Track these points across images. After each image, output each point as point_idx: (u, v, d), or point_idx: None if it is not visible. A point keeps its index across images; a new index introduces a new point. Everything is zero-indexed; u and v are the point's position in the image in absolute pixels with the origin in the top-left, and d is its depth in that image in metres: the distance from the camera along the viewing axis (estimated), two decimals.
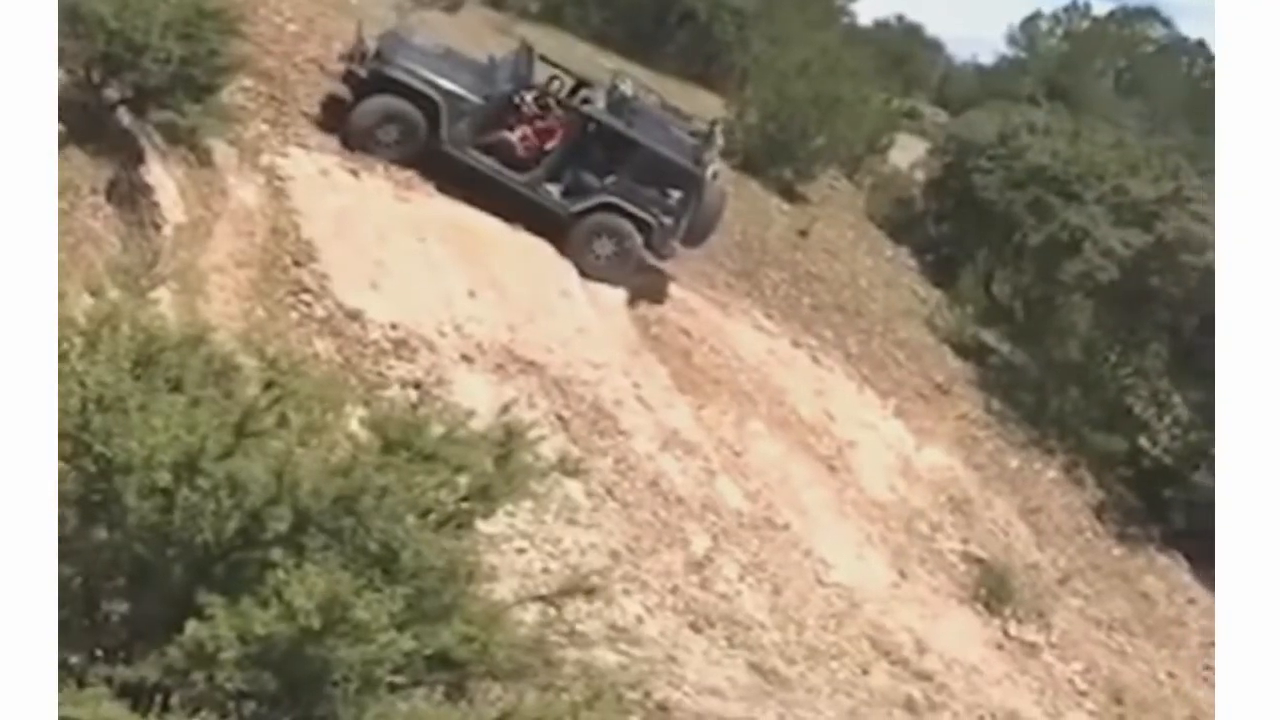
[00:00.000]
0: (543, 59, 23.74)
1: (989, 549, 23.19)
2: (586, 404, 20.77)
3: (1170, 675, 23.26)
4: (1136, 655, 23.29)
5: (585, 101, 23.09)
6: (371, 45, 22.50)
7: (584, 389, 20.94)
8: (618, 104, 22.60)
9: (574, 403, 20.67)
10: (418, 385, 19.36)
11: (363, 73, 22.10)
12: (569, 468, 12.64)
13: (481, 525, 10.10)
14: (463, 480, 9.67)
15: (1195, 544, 25.69)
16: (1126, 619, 23.91)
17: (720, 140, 23.69)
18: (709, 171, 22.52)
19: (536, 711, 9.04)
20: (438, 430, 9.78)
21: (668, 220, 22.30)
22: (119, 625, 9.02)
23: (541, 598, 10.38)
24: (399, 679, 8.83)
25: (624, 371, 21.69)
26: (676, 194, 22.28)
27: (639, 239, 22.32)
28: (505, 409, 10.48)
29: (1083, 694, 21.91)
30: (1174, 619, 24.51)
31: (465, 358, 20.30)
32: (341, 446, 9.52)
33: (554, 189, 22.40)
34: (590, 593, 11.49)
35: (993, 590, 22.33)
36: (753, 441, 22.35)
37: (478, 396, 18.72)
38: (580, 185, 22.38)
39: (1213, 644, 24.36)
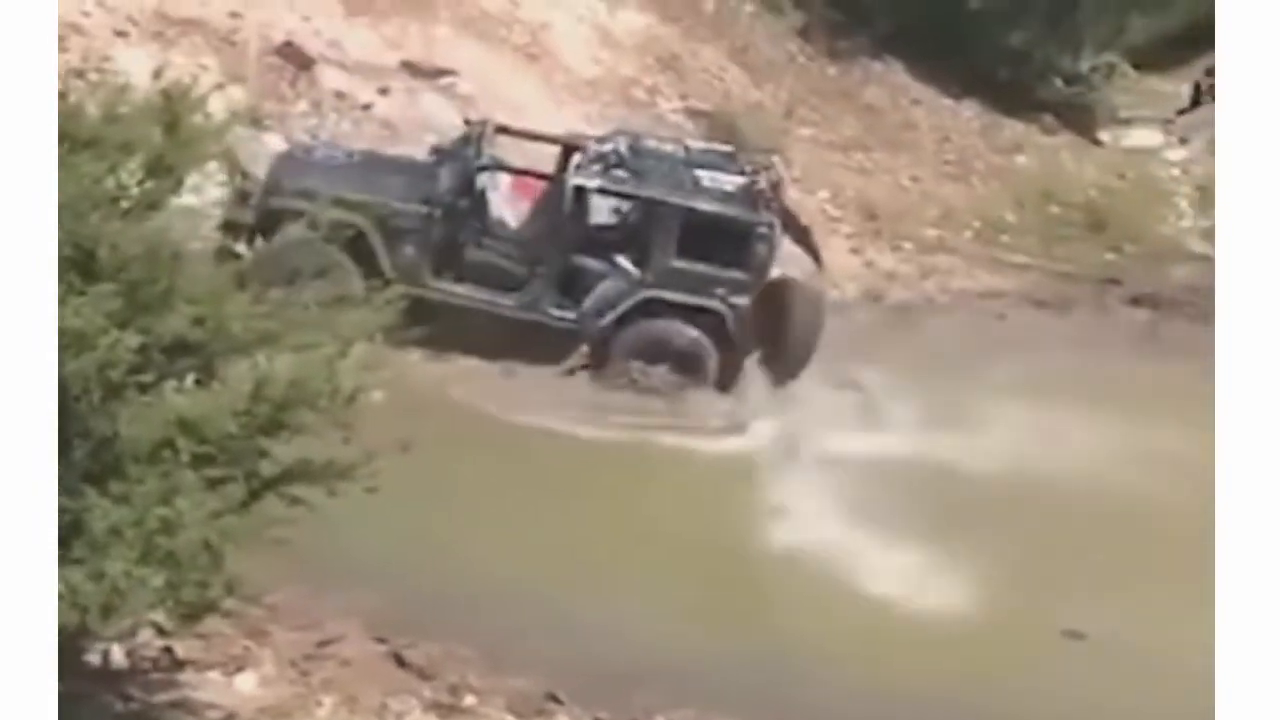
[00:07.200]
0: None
1: (709, 100, 22.55)
2: (259, 49, 19.48)
3: (914, 179, 23.14)
4: (877, 169, 23.08)
5: None
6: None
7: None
8: None
9: (245, 51, 19.32)
10: (80, 75, 17.79)
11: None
12: (249, 118, 11.91)
13: (181, 201, 9.46)
14: (135, 159, 9.00)
15: (906, 45, 25.39)
16: (859, 135, 23.59)
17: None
18: None
19: (293, 371, 8.53)
20: (94, 113, 9.12)
21: None
22: None
23: None
24: (144, 378, 8.42)
25: (289, 7, 20.31)
26: None
27: None
28: (158, 74, 9.86)
29: (836, 220, 21.66)
30: (904, 124, 24.28)
31: (119, 34, 18.83)
32: None
33: None
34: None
35: (724, 140, 21.70)
36: (445, 50, 21.20)
37: (145, 71, 17.36)
38: None
39: (947, 140, 24.28)
